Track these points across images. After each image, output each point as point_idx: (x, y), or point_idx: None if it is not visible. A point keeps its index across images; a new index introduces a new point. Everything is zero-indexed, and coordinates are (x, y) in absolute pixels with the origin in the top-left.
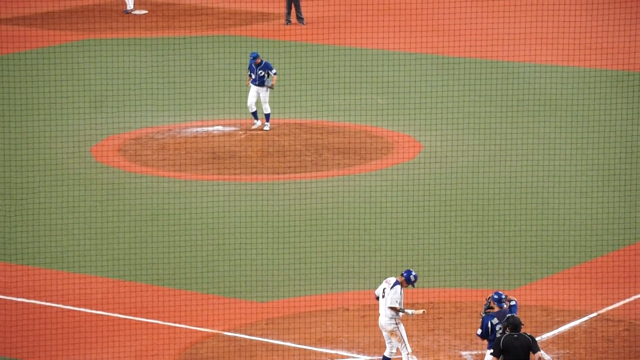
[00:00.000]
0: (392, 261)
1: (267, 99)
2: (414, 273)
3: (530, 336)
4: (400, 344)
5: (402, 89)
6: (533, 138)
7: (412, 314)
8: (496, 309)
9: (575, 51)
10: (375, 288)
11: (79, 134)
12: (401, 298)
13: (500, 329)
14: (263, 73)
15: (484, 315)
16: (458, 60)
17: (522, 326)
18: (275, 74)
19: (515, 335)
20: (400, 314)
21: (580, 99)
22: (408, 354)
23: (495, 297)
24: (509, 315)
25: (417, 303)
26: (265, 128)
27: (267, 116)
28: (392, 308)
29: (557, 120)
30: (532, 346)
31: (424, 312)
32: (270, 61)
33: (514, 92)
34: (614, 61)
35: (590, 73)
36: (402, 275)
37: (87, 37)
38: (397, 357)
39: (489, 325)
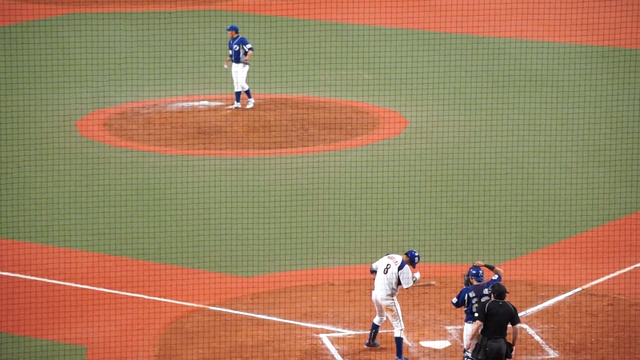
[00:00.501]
0: (377, 236)
1: (245, 76)
2: (417, 254)
3: (513, 306)
4: (395, 320)
5: (388, 65)
6: (518, 114)
7: (418, 280)
8: (475, 283)
9: (560, 27)
10: (362, 262)
11: (64, 108)
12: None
13: (476, 302)
14: (238, 48)
15: (465, 277)
16: (444, 36)
17: (507, 294)
18: (250, 49)
19: (500, 303)
20: (398, 290)
21: (566, 75)
22: (401, 330)
23: (473, 271)
24: (495, 283)
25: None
26: (248, 106)
27: (248, 93)
28: (408, 287)
29: (543, 95)
30: (514, 316)
31: (434, 284)
32: (256, 36)
33: (500, 68)
34: (600, 37)
35: (575, 49)
36: (406, 254)
37: (72, 11)
38: (384, 331)
39: (466, 297)
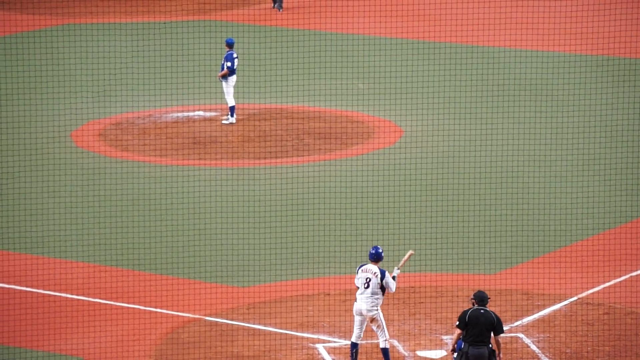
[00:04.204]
0: (373, 246)
1: (229, 92)
2: (380, 250)
3: (496, 316)
4: (379, 330)
5: (383, 74)
6: (513, 123)
7: (400, 270)
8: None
9: (554, 36)
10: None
11: (59, 119)
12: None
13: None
14: (223, 62)
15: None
16: (438, 45)
17: (488, 300)
18: (228, 67)
19: (481, 311)
20: (382, 299)
21: (560, 84)
22: (386, 340)
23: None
24: (478, 290)
25: (399, 288)
26: (223, 121)
27: (231, 109)
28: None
29: (537, 105)
30: (496, 326)
31: (411, 253)
32: (251, 47)
33: (494, 77)
34: (594, 46)
35: (569, 58)
36: (374, 261)
37: (67, 22)
38: (369, 341)
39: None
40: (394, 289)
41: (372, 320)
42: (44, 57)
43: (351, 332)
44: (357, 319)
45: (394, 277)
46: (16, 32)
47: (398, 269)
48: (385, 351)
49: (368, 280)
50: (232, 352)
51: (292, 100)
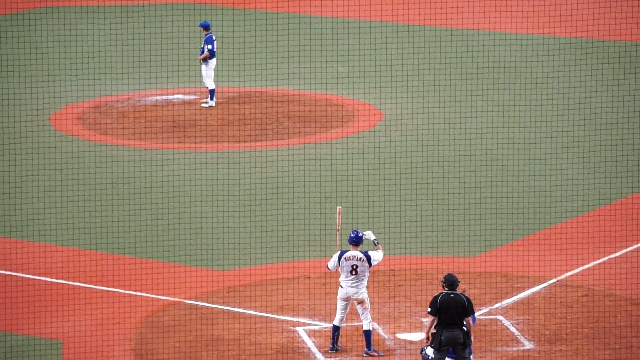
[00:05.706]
0: (353, 229)
1: (209, 75)
2: (360, 234)
3: (466, 297)
4: (365, 312)
5: (362, 57)
6: (493, 106)
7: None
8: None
9: (533, 19)
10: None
11: (37, 103)
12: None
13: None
14: (203, 45)
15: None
16: (418, 28)
17: (458, 284)
18: (209, 50)
19: (452, 295)
20: (367, 280)
21: (540, 67)
22: (370, 321)
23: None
24: (447, 273)
25: (379, 271)
26: (203, 105)
27: (210, 92)
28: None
29: (517, 88)
30: (467, 308)
31: (340, 209)
32: (230, 29)
33: (474, 60)
34: (573, 29)
35: (549, 40)
36: (355, 244)
37: (44, 5)
38: (353, 324)
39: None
40: (381, 258)
41: (360, 302)
42: (21, 40)
43: (332, 315)
44: (341, 303)
45: (375, 242)
46: None
47: (375, 240)
48: (368, 333)
49: (355, 267)
50: (212, 335)
51: (272, 83)
